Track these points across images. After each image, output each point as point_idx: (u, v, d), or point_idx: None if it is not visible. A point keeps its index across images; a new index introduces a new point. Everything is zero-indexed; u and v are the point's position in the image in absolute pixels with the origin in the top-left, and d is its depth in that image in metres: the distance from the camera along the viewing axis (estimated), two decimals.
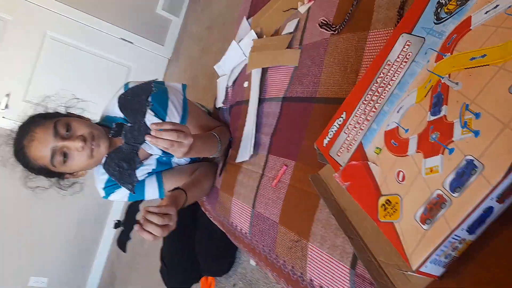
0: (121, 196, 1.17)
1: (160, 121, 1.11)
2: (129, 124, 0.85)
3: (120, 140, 1.06)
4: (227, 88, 1.29)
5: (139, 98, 0.87)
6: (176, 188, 1.05)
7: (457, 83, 0.49)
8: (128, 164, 0.91)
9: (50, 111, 1.06)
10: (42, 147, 0.93)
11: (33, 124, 0.96)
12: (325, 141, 0.69)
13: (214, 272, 1.43)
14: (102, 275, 3.01)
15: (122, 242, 0.85)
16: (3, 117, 2.47)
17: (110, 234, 3.01)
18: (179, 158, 1.08)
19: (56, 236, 2.79)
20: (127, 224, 0.85)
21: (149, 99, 0.85)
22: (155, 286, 2.02)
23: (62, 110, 1.08)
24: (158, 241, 1.45)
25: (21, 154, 0.97)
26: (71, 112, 1.08)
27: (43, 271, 2.77)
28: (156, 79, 1.10)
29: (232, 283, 1.41)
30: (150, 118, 1.10)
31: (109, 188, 1.15)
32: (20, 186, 1.03)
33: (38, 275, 2.76)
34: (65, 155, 0.94)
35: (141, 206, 0.90)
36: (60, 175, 1.04)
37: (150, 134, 0.83)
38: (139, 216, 0.86)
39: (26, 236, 2.67)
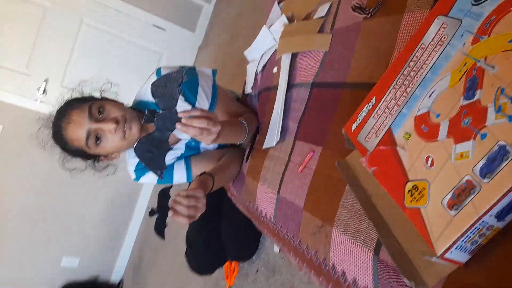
0: (151, 179, 1.22)
1: (189, 106, 1.14)
2: (161, 111, 0.88)
3: (152, 126, 1.10)
4: (256, 74, 1.30)
5: (171, 85, 0.89)
6: (203, 173, 1.08)
7: (493, 67, 0.48)
8: (158, 150, 0.95)
9: (86, 95, 1.11)
10: (78, 129, 0.99)
11: (69, 107, 1.01)
12: (354, 126, 0.69)
13: (238, 257, 1.46)
14: (130, 256, 3.13)
15: (160, 229, 0.89)
16: (41, 101, 2.60)
17: (139, 217, 3.13)
18: (207, 145, 1.11)
19: (89, 218, 2.93)
20: (161, 211, 0.89)
21: (181, 87, 0.89)
22: (181, 269, 2.09)
23: (96, 95, 1.13)
24: (184, 225, 1.50)
25: (58, 136, 1.03)
26: (105, 96, 1.13)
27: (76, 251, 2.92)
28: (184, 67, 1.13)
29: (255, 268, 1.43)
30: (180, 103, 1.13)
31: (140, 170, 1.20)
32: (55, 168, 1.10)
33: (70, 255, 2.91)
34: (99, 137, 0.99)
35: (171, 192, 0.93)
36: (95, 157, 1.10)
37: (180, 122, 0.86)
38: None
39: (60, 217, 2.81)
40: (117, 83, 1.20)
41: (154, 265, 2.59)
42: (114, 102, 1.07)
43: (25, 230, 2.70)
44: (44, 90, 2.60)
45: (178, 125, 0.87)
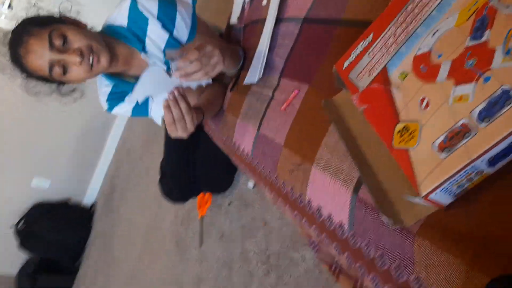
0: (125, 110, 1.15)
1: (167, 34, 1.05)
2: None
3: (123, 50, 1.02)
4: (244, 4, 1.20)
5: None
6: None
7: (507, 6, 0.43)
8: None
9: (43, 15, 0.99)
10: (39, 60, 0.90)
11: (27, 33, 0.90)
12: (346, 64, 0.64)
13: (212, 188, 1.47)
14: (102, 183, 3.11)
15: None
16: (6, 17, 2.36)
17: (112, 145, 3.05)
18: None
19: (61, 141, 2.83)
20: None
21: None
22: (154, 198, 2.10)
23: (55, 14, 1.01)
24: (158, 159, 1.47)
25: (18, 64, 0.94)
26: (66, 15, 1.01)
27: (47, 173, 2.85)
28: None
29: (228, 201, 1.44)
30: (156, 30, 1.04)
31: (113, 101, 1.13)
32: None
33: (41, 176, 2.83)
34: (64, 68, 0.91)
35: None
36: (60, 82, 1.01)
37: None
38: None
39: (31, 137, 2.69)
40: (80, 2, 1.07)
41: (127, 193, 2.59)
42: (77, 28, 0.95)
43: None
44: (10, 5, 2.34)
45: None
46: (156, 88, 0.88)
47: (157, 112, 1.15)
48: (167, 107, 0.82)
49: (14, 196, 2.74)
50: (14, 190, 2.73)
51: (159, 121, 1.07)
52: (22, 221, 2.67)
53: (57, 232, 2.70)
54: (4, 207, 2.70)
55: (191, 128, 0.87)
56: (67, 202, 3.00)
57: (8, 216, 2.68)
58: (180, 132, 0.87)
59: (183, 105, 0.82)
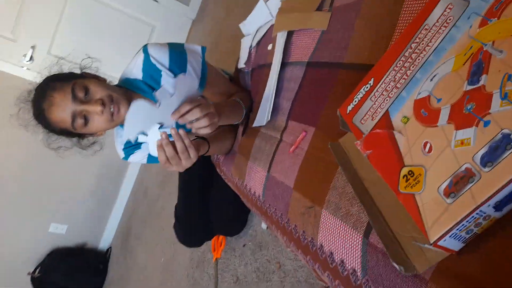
0: (141, 157, 1.18)
1: None
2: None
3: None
4: (250, 49, 1.25)
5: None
6: (198, 137, 1.05)
7: (501, 51, 0.45)
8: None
9: (65, 71, 1.05)
10: (62, 112, 0.94)
11: (50, 88, 0.95)
12: (349, 108, 0.66)
13: (226, 231, 1.46)
14: (118, 226, 3.12)
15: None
16: (27, 69, 2.50)
17: (127, 189, 3.10)
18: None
19: (78, 187, 2.89)
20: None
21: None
22: (168, 241, 2.09)
23: (76, 71, 1.07)
24: (174, 199, 1.49)
25: (41, 117, 0.98)
26: (87, 71, 1.07)
27: (64, 219, 2.89)
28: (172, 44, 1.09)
29: (242, 243, 1.43)
30: (169, 81, 1.09)
31: (129, 149, 1.16)
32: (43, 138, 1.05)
33: (58, 222, 2.88)
34: (85, 118, 0.95)
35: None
36: (80, 135, 1.05)
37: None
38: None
39: (48, 184, 2.76)
40: (105, 55, 1.14)
41: (142, 236, 2.59)
42: (98, 81, 1.01)
43: (12, 196, 2.65)
44: (31, 57, 2.49)
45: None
46: (145, 121, 0.90)
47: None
48: (160, 146, 0.84)
49: (32, 242, 2.78)
50: (32, 236, 2.78)
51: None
52: (38, 269, 2.69)
53: (73, 279, 2.69)
54: (22, 254, 2.74)
55: (186, 165, 0.88)
56: (83, 247, 3.01)
57: (26, 262, 2.72)
58: (175, 168, 0.89)
59: (179, 145, 0.84)
